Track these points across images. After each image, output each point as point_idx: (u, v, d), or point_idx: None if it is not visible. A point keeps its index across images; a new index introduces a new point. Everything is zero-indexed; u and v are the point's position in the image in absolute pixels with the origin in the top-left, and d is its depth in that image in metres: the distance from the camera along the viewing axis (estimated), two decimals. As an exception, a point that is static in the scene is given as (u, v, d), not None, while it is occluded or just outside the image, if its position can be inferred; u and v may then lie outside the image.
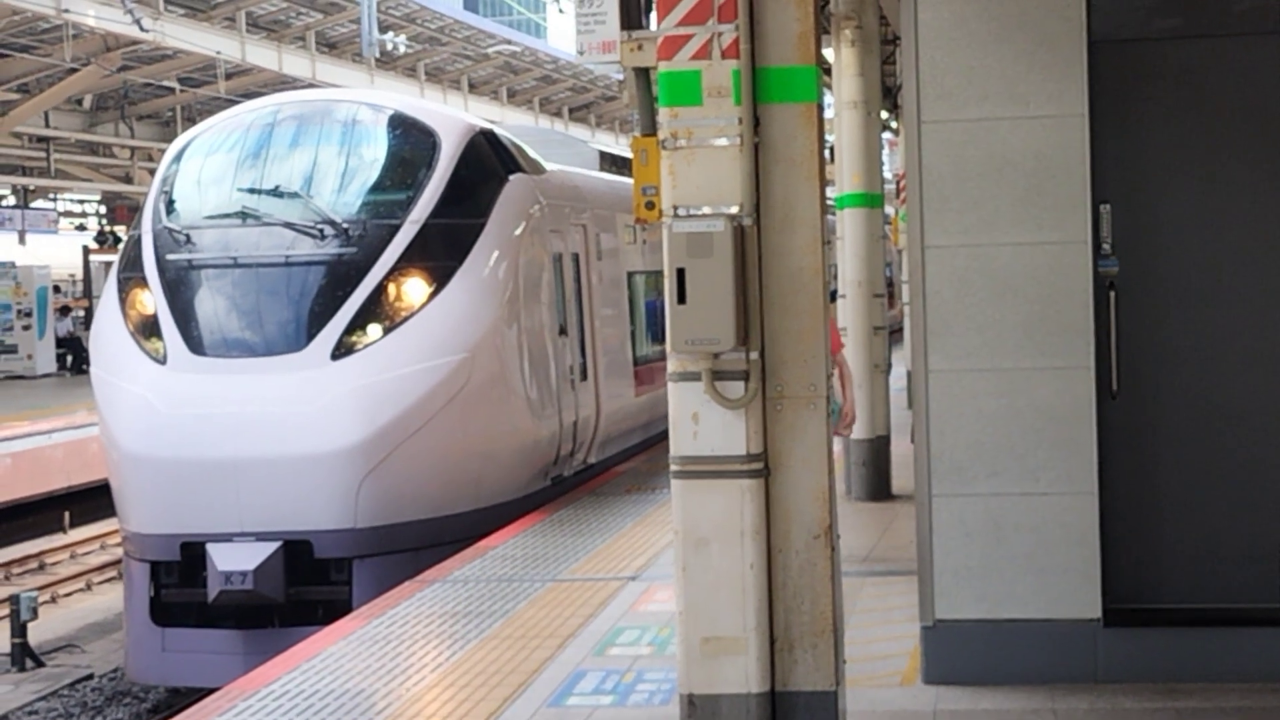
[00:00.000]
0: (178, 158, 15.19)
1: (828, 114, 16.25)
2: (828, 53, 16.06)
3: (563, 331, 16.27)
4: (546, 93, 52.23)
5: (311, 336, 13.56)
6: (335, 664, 9.64)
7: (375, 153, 14.96)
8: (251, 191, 14.51)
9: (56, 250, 44.72)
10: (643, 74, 8.20)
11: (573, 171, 18.50)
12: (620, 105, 54.09)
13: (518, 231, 15.08)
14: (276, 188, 14.49)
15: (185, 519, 13.14)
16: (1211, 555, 8.43)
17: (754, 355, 6.44)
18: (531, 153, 16.65)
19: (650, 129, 8.26)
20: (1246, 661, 8.21)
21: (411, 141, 14.92)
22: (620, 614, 10.63)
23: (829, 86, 16.67)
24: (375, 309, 13.75)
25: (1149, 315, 8.39)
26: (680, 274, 6.31)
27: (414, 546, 13.44)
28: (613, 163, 21.84)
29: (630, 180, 19.76)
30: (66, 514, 24.47)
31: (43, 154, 40.20)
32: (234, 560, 12.81)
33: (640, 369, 19.78)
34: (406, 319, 13.77)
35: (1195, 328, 8.40)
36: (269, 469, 13.09)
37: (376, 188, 14.63)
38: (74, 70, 32.64)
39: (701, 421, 6.47)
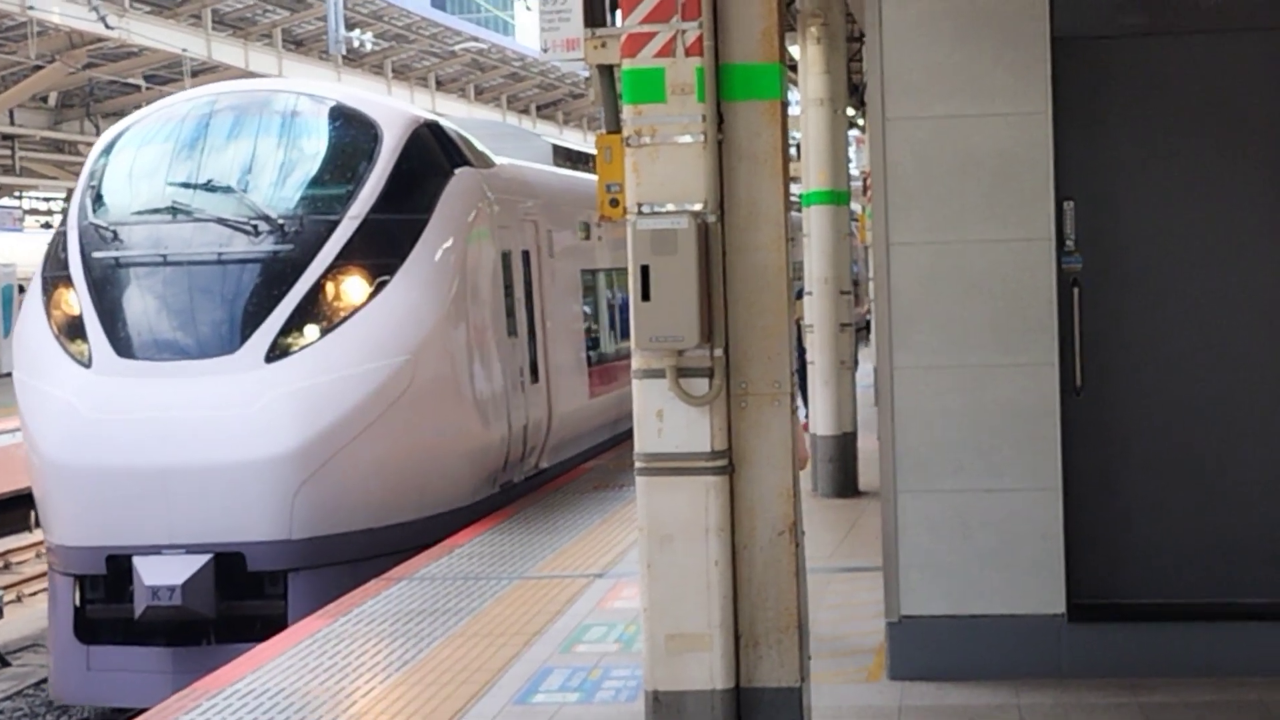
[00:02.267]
0: (107, 150, 14.51)
1: (793, 111, 16.28)
2: (794, 50, 16.08)
3: (512, 332, 15.53)
4: (514, 90, 52.19)
5: (245, 338, 12.94)
6: (300, 662, 9.62)
7: (314, 145, 14.27)
8: (184, 185, 13.81)
9: (22, 248, 44.42)
10: (607, 71, 8.20)
11: (523, 166, 17.76)
12: (587, 102, 54.06)
13: (463, 227, 14.47)
14: (209, 182, 13.79)
15: (111, 530, 12.49)
16: (1175, 550, 8.47)
17: (718, 352, 6.45)
18: (479, 146, 16.00)
19: (615, 126, 8.28)
20: (1210, 656, 8.24)
21: (352, 134, 14.28)
22: (587, 611, 10.64)
23: (795, 83, 16.70)
24: (312, 309, 13.12)
25: (1112, 311, 8.42)
26: (644, 271, 6.31)
27: (354, 558, 12.81)
28: (567, 157, 21.08)
29: (585, 175, 19.19)
30: (32, 513, 24.36)
31: (8, 151, 39.99)
32: (161, 574, 12.14)
33: (596, 370, 19.07)
34: (345, 319, 13.16)
35: (1159, 324, 8.44)
36: (199, 477, 12.43)
37: (315, 182, 13.92)
38: (39, 68, 32.50)
39: (666, 418, 6.47)
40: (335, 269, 13.30)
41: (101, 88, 38.05)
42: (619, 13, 6.44)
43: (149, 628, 12.43)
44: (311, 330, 13.06)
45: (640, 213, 6.42)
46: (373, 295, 13.32)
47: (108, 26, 29.79)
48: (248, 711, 8.64)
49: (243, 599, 12.48)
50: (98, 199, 14.07)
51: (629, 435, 18.52)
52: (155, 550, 12.32)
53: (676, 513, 6.47)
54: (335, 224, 13.48)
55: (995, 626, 8.34)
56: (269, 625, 12.00)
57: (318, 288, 13.19)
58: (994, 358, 8.29)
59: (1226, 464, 8.44)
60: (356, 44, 38.06)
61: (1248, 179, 8.38)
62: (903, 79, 8.29)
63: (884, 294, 8.37)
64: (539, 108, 55.37)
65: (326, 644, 10.04)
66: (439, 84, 47.15)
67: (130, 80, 36.51)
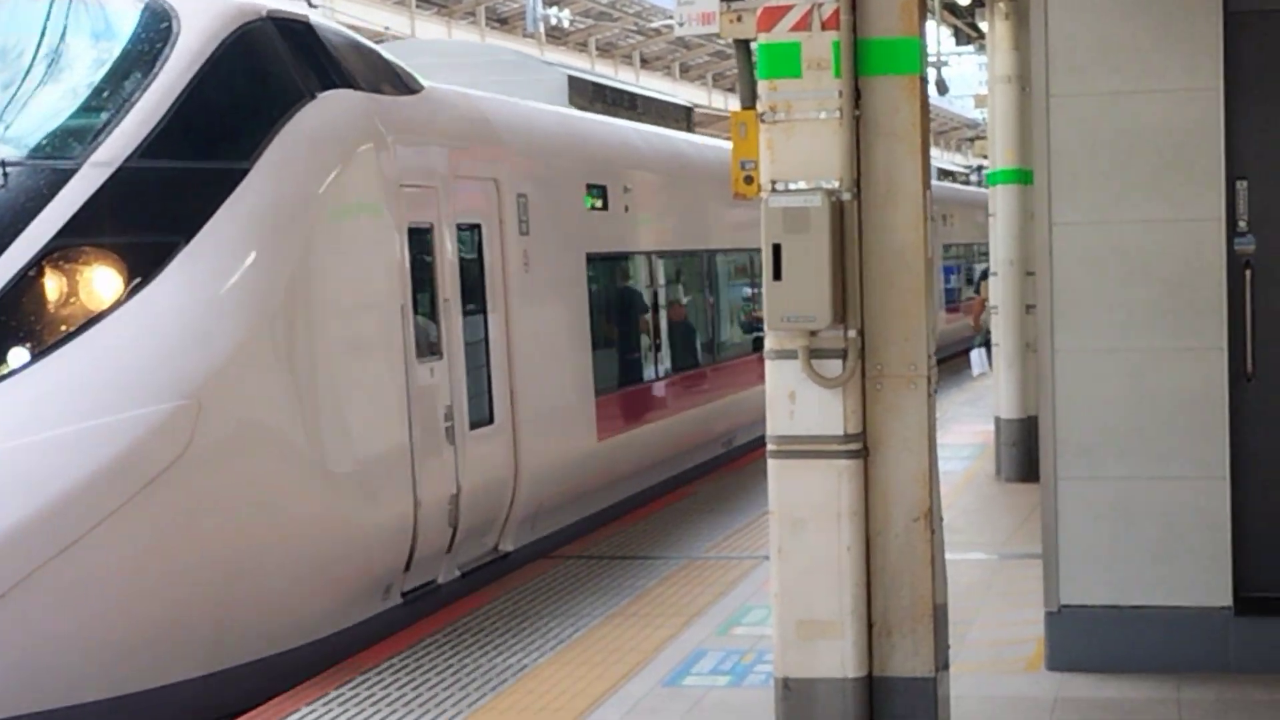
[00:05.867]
0: None
1: (981, 89, 15.95)
2: (983, 25, 15.84)
3: (429, 350, 10.21)
4: (720, 68, 52.15)
5: None
6: (457, 638, 9.63)
7: (61, 48, 9.04)
8: None
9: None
10: (744, 46, 8.10)
11: (486, 98, 12.03)
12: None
13: (324, 184, 9.17)
14: None
15: None
16: (1349, 543, 8.17)
17: (852, 333, 6.32)
18: (389, 60, 10.61)
19: (750, 102, 8.16)
20: (1385, 653, 7.95)
21: (130, 30, 9.04)
22: (750, 593, 10.53)
23: (986, 59, 16.43)
24: (11, 318, 8.13)
25: (1286, 294, 8.12)
26: (776, 250, 6.20)
27: None
28: (595, 97, 14.97)
29: (626, 123, 15.44)
30: None
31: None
32: None
33: (615, 398, 13.53)
34: (72, 336, 8.12)
35: (1335, 308, 8.13)
36: None
37: (46, 107, 8.88)
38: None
39: (798, 400, 6.36)
40: (59, 249, 8.27)
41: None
42: (755, -14, 6.33)
43: None
44: (16, 355, 8.10)
45: (774, 190, 6.30)
46: (129, 296, 8.27)
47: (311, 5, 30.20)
48: (411, 687, 8.67)
49: None
50: None
51: (684, 479, 16.52)
52: None
53: (808, 496, 6.36)
54: (68, 175, 8.45)
55: (1158, 618, 8.12)
56: None
57: (25, 281, 8.20)
58: (1160, 341, 8.06)
59: (1406, 454, 8.12)
60: (555, 21, 38.25)
61: None
62: (1067, 55, 8.07)
63: (1046, 275, 8.17)
64: (744, 85, 55.36)
65: (485, 620, 10.04)
66: (644, 62, 47.28)
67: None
